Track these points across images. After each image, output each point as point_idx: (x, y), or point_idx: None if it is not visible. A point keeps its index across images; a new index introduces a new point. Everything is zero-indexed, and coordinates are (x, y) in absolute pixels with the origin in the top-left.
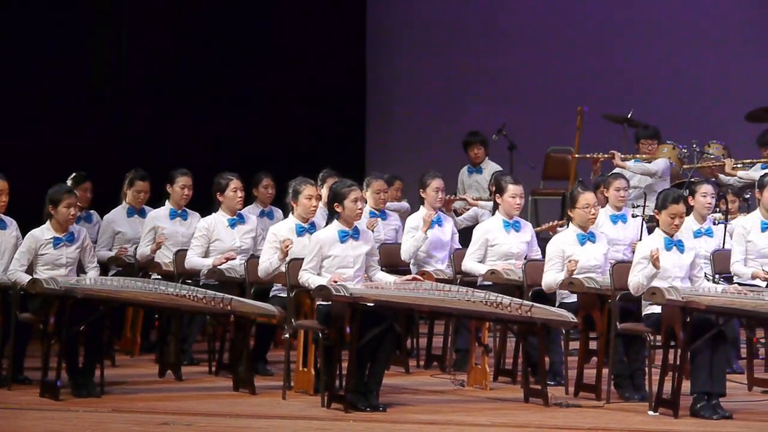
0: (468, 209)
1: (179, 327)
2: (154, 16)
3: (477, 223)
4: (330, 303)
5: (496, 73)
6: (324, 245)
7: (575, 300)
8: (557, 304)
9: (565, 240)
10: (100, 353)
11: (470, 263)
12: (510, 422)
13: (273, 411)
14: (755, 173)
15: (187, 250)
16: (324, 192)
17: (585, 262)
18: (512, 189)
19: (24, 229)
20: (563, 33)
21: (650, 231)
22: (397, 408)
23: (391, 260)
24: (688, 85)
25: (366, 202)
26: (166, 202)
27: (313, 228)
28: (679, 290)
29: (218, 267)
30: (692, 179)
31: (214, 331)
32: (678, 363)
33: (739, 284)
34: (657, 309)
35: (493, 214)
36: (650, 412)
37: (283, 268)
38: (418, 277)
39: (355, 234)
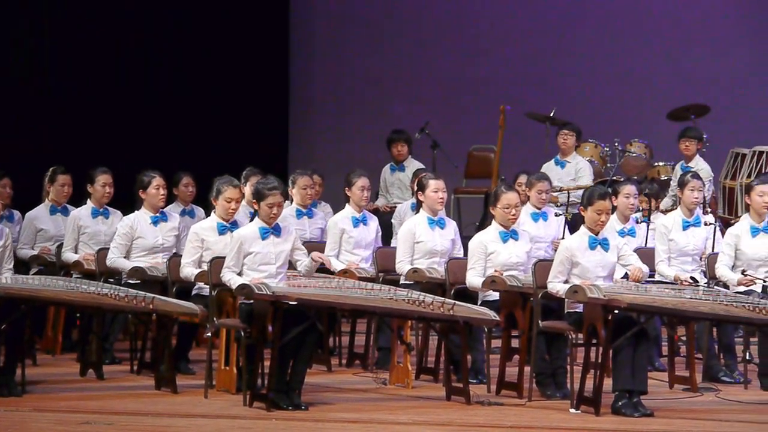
0: (389, 209)
1: (101, 326)
2: (75, 15)
3: None
4: (252, 302)
5: (420, 71)
6: (245, 242)
7: (497, 298)
8: (479, 302)
9: (487, 237)
10: (21, 352)
11: (401, 265)
12: (432, 420)
13: (195, 410)
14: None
15: (109, 248)
16: (247, 190)
17: (507, 260)
18: (434, 184)
19: None
20: (486, 32)
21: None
22: (320, 407)
23: None
24: (610, 84)
25: (291, 201)
26: (88, 201)
27: (235, 226)
28: (600, 288)
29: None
30: (614, 178)
31: (136, 330)
32: (600, 361)
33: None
34: (579, 307)
35: (417, 212)
36: (572, 410)
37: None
38: (321, 257)
39: (276, 231)
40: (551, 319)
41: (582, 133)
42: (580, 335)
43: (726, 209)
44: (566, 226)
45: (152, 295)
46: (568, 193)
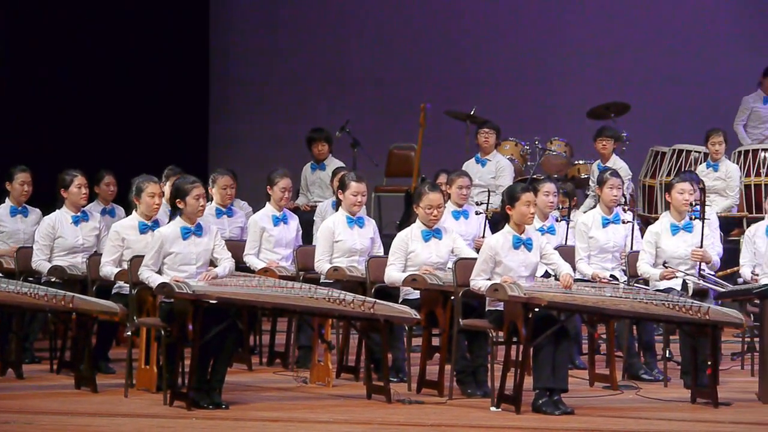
0: (310, 208)
1: (20, 325)
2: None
3: None
4: (172, 300)
5: (340, 70)
6: (166, 242)
7: (418, 296)
8: (400, 300)
9: (409, 235)
10: None
11: (320, 263)
12: (352, 419)
13: (115, 409)
14: None
15: (28, 247)
16: (167, 189)
17: (427, 259)
18: (354, 186)
19: None
20: (406, 30)
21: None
22: (240, 405)
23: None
24: (531, 83)
25: (211, 199)
26: (6, 200)
27: (156, 225)
28: (521, 287)
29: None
30: (535, 176)
31: (56, 329)
32: (520, 359)
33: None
34: (500, 305)
35: (336, 210)
36: (492, 408)
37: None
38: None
39: (198, 230)
40: (472, 318)
41: (501, 131)
42: (501, 333)
43: (646, 207)
44: (487, 224)
45: (72, 293)
46: (489, 191)
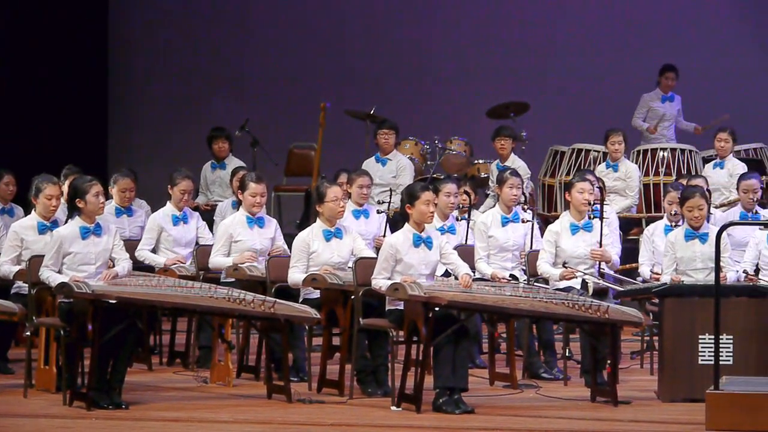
0: (210, 207)
1: None
2: None
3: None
4: (72, 300)
5: (240, 67)
6: (65, 242)
7: (319, 296)
8: (301, 300)
9: (310, 235)
10: None
11: (217, 259)
12: (253, 419)
13: (14, 409)
14: None
15: None
16: (66, 189)
17: (329, 259)
18: (253, 187)
19: None
20: (305, 29)
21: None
22: (140, 405)
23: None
24: (430, 82)
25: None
26: None
27: (55, 225)
28: (421, 286)
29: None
30: (435, 175)
31: None
32: (420, 358)
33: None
34: (400, 304)
35: (237, 209)
36: (393, 408)
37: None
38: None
39: (97, 230)
40: (372, 317)
41: (401, 130)
42: (401, 333)
43: (545, 206)
44: (387, 223)
45: None
46: (390, 190)
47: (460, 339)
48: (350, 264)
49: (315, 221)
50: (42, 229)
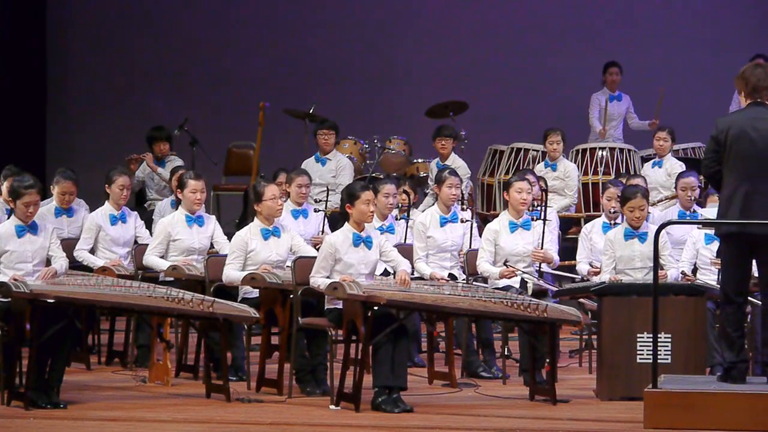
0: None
1: None
2: None
3: None
4: (9, 299)
5: (180, 66)
6: (1, 240)
7: (257, 295)
8: (239, 299)
9: (248, 234)
10: None
11: (151, 258)
12: (192, 418)
13: None
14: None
15: None
16: (5, 188)
17: (267, 257)
18: (192, 184)
19: None
20: (245, 27)
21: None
22: (79, 405)
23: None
24: (369, 81)
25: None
26: None
27: None
28: (360, 285)
29: None
30: (374, 175)
31: None
32: (359, 357)
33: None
34: (339, 304)
35: (176, 209)
36: (332, 407)
37: None
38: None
39: (33, 229)
40: (311, 316)
41: (340, 130)
42: (340, 332)
43: (484, 205)
44: (326, 223)
45: None
46: (327, 189)
47: (399, 338)
48: (289, 263)
49: (253, 220)
50: None
